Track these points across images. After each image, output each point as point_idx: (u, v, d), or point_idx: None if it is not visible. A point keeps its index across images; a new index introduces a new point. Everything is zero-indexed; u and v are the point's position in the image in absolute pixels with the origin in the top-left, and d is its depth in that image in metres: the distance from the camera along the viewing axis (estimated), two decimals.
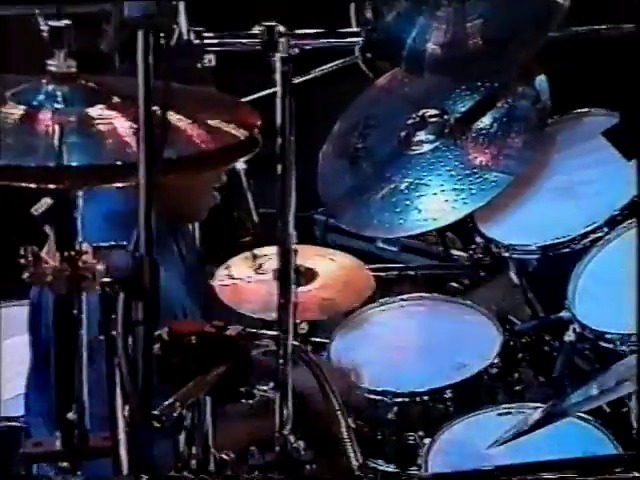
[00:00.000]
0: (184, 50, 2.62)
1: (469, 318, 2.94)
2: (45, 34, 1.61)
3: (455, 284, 3.26)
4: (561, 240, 2.86)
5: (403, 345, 2.81)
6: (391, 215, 2.98)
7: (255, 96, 3.02)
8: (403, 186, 3.03)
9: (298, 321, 2.57)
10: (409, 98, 3.15)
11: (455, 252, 3.33)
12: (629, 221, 2.81)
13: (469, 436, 2.60)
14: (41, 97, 1.69)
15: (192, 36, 2.76)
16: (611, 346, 2.66)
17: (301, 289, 2.64)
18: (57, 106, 1.67)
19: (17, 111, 1.66)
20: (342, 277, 2.79)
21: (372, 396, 2.59)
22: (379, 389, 2.58)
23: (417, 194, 3.01)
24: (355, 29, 2.81)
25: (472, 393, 2.70)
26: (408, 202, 3.00)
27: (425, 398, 2.59)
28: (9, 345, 2.98)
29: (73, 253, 1.56)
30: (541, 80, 2.97)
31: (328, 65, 3.11)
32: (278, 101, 1.83)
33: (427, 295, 3.07)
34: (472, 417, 2.61)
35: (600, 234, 2.82)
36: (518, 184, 2.97)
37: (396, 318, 2.96)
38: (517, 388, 2.81)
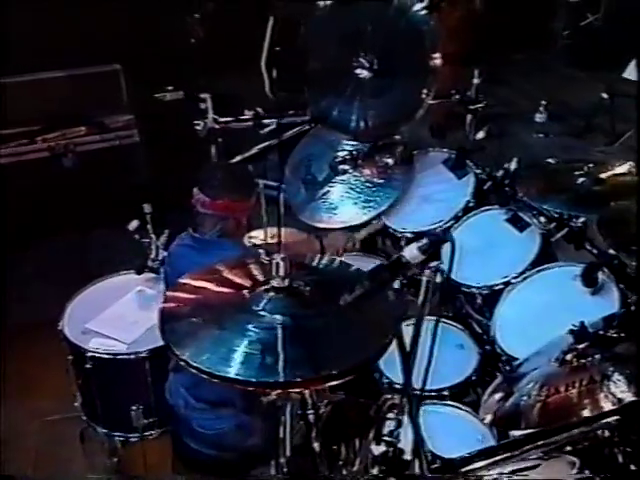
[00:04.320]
0: None
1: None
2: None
3: None
4: (427, 228, 3.15)
5: None
6: (331, 214, 3.29)
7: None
8: (336, 198, 3.33)
9: None
10: (330, 143, 3.45)
11: None
12: (467, 216, 3.13)
13: None
14: (262, 304, 1.67)
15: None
16: (470, 291, 2.94)
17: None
18: (277, 317, 1.63)
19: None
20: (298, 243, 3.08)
21: None
22: None
23: (344, 203, 3.31)
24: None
25: None
26: (340, 207, 3.30)
27: None
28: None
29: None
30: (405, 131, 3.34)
31: (293, 130, 3.43)
32: None
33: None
34: None
35: (450, 224, 3.14)
36: (401, 195, 3.28)
37: None
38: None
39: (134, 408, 2.99)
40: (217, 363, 1.52)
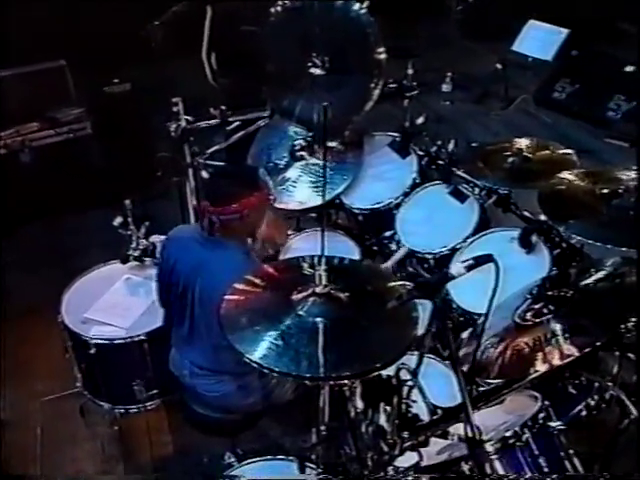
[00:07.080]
0: None
1: (341, 239, 3.34)
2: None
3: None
4: (379, 205, 3.30)
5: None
6: (293, 196, 3.36)
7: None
8: (296, 181, 3.40)
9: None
10: (286, 133, 3.52)
11: None
12: (414, 191, 3.25)
13: None
14: (307, 307, 1.77)
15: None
16: (423, 256, 3.09)
17: None
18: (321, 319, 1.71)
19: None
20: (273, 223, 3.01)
21: None
22: None
23: (304, 186, 3.37)
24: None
25: None
26: (300, 189, 3.37)
27: None
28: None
29: None
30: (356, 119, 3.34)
31: (255, 125, 3.47)
32: None
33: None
34: None
35: (400, 199, 3.26)
36: (355, 177, 3.37)
37: (304, 242, 3.30)
38: None
39: (136, 383, 3.06)
40: (289, 365, 1.65)
